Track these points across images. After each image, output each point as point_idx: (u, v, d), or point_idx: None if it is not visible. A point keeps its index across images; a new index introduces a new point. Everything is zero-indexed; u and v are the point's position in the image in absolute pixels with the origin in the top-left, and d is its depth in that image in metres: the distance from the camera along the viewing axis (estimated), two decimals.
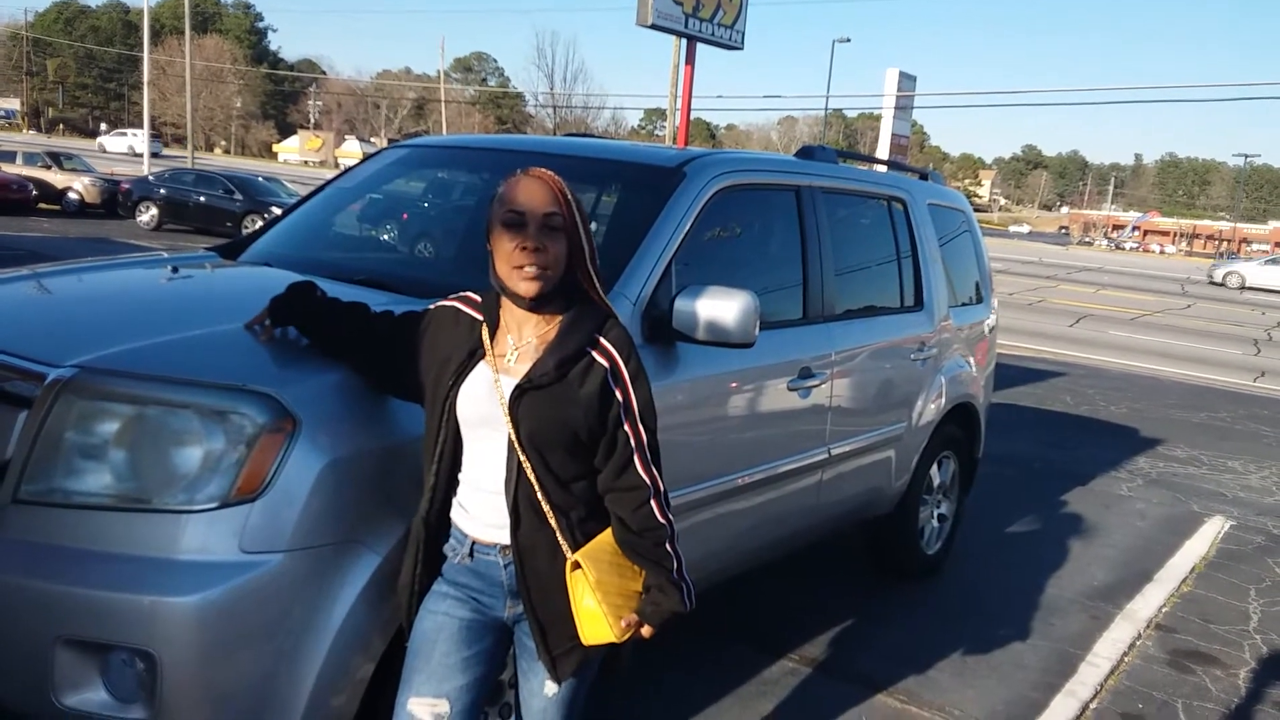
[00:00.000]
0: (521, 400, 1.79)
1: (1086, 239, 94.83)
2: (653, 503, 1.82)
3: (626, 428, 1.81)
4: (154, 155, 34.38)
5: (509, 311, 1.87)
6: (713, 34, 16.44)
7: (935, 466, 4.54)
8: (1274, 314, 25.43)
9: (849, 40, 43.03)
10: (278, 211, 19.31)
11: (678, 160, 3.17)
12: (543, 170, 1.82)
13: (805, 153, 3.89)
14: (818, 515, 3.73)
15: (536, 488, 1.80)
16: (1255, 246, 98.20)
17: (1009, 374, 10.55)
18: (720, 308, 2.66)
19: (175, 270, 3.01)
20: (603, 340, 1.83)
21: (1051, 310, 20.31)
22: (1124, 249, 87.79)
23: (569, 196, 1.80)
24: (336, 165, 70.23)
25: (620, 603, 1.81)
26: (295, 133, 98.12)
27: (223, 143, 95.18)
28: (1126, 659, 4.00)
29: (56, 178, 22.39)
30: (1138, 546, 5.50)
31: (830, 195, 3.75)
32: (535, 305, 1.82)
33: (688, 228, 2.99)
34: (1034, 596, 4.56)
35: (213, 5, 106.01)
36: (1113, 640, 4.14)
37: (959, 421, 4.65)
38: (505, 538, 1.85)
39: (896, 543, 4.44)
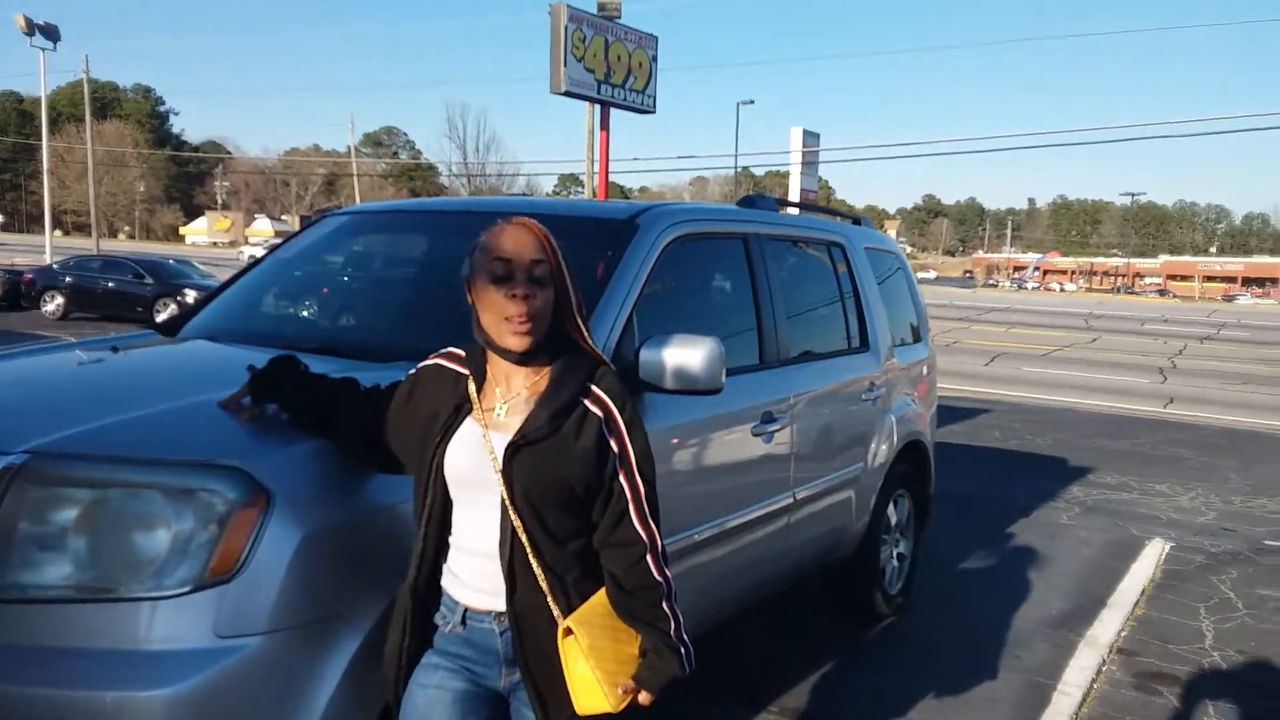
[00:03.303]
0: (516, 457, 1.71)
1: (991, 281, 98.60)
2: (648, 559, 1.74)
3: (623, 479, 1.74)
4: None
5: (496, 364, 1.81)
6: (625, 99, 16.79)
7: (892, 506, 4.57)
8: (1175, 342, 26.70)
9: (753, 102, 44.23)
10: (192, 294, 19.00)
11: (630, 213, 3.18)
12: (526, 219, 1.77)
13: (748, 202, 3.95)
14: (787, 560, 3.71)
15: (529, 549, 1.71)
16: (1148, 280, 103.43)
17: (937, 413, 10.77)
18: (686, 355, 2.65)
19: (116, 350, 2.88)
20: (595, 389, 1.77)
21: (967, 350, 20.91)
22: (1026, 288, 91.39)
23: (554, 244, 1.74)
24: (247, 243, 68.97)
25: (616, 669, 1.71)
26: (202, 214, 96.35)
27: (126, 228, 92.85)
28: (1095, 686, 4.03)
29: None
30: (1087, 573, 5.61)
31: (775, 242, 3.81)
32: (524, 357, 1.76)
33: (645, 278, 2.99)
34: (998, 630, 4.59)
35: (111, 91, 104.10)
36: (1079, 668, 4.18)
37: (910, 460, 4.70)
38: (500, 604, 1.76)
39: (861, 584, 4.43)
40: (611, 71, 16.24)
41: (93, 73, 36.01)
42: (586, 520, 1.76)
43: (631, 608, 1.74)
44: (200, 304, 3.50)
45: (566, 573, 1.74)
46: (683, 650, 1.77)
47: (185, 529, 1.86)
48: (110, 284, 20.00)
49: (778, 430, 3.46)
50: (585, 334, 1.80)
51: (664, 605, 1.76)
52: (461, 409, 1.79)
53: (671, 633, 1.76)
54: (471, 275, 1.76)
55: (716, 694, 3.66)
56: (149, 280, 19.84)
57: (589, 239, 3.23)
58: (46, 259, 26.67)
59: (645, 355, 2.69)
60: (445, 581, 1.84)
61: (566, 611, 1.73)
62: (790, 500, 3.59)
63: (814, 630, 4.49)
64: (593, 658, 1.69)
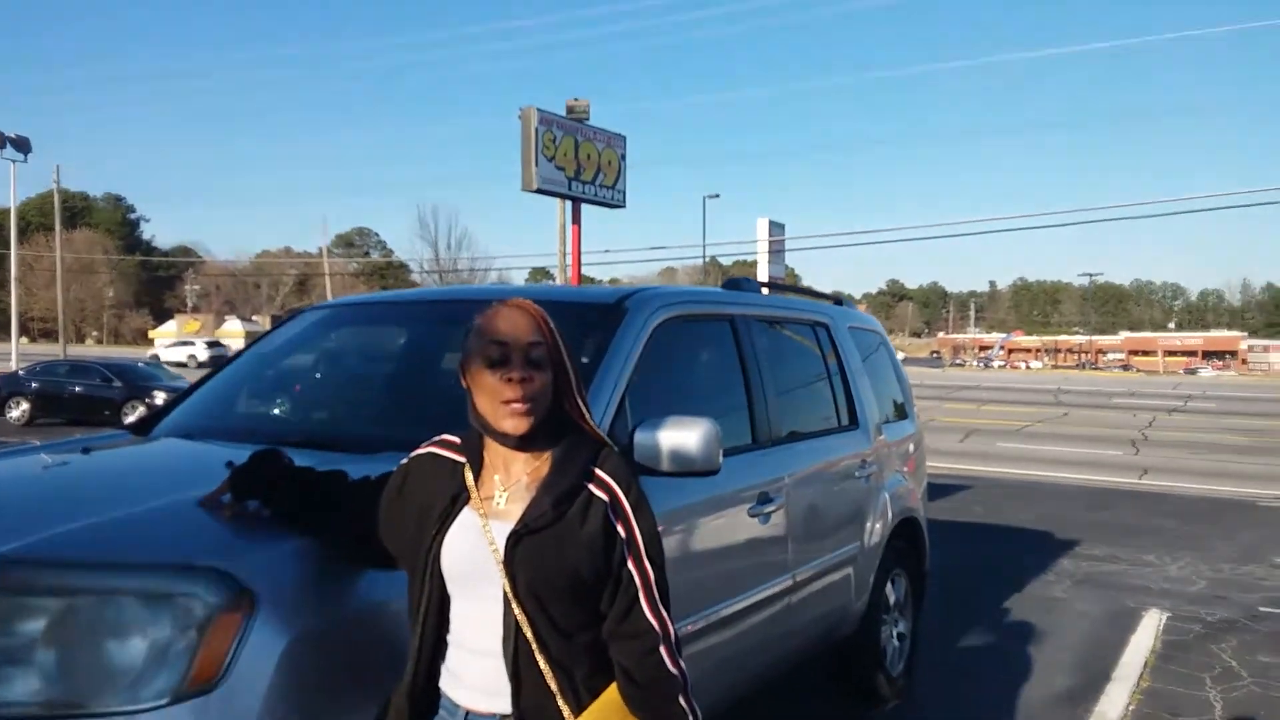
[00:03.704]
0: (519, 546, 1.61)
1: (958, 360, 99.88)
2: (661, 650, 1.63)
3: (631, 566, 1.64)
4: None
5: (493, 451, 1.72)
6: (596, 194, 17.07)
7: (889, 584, 4.46)
8: (1144, 415, 26.97)
9: (718, 195, 45.19)
10: (162, 396, 18.70)
11: (616, 296, 3.16)
12: (521, 299, 1.72)
13: (733, 284, 3.94)
14: (788, 644, 3.59)
15: (534, 644, 1.60)
16: (1111, 355, 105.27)
17: None
18: (682, 437, 2.59)
19: (87, 451, 2.77)
20: (599, 472, 1.68)
21: (941, 428, 20.94)
22: (993, 367, 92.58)
23: (551, 325, 1.69)
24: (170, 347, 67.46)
25: None
26: (172, 318, 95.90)
27: (94, 333, 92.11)
28: None
29: None
30: (1087, 646, 5.48)
31: (761, 323, 3.79)
32: (523, 442, 1.68)
33: (635, 362, 2.94)
34: (1005, 711, 4.44)
35: (81, 200, 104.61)
36: None
37: (905, 536, 4.61)
38: (504, 705, 1.63)
39: (863, 666, 4.29)
40: (582, 169, 16.53)
41: (63, 182, 36.18)
42: (594, 611, 1.66)
43: (646, 704, 1.63)
44: (174, 402, 3.40)
45: (575, 668, 1.63)
46: None
47: (162, 637, 1.74)
48: (78, 388, 19.67)
49: (774, 510, 3.37)
50: (586, 415, 1.72)
51: (680, 700, 1.65)
52: (459, 498, 1.70)
53: None
54: (466, 359, 1.69)
55: None
56: (117, 383, 19.55)
57: (577, 323, 3.18)
58: (12, 365, 26.27)
59: (640, 438, 2.62)
60: (444, 683, 1.72)
61: (577, 711, 1.61)
62: (790, 582, 3.49)
63: (816, 715, 4.31)
64: None
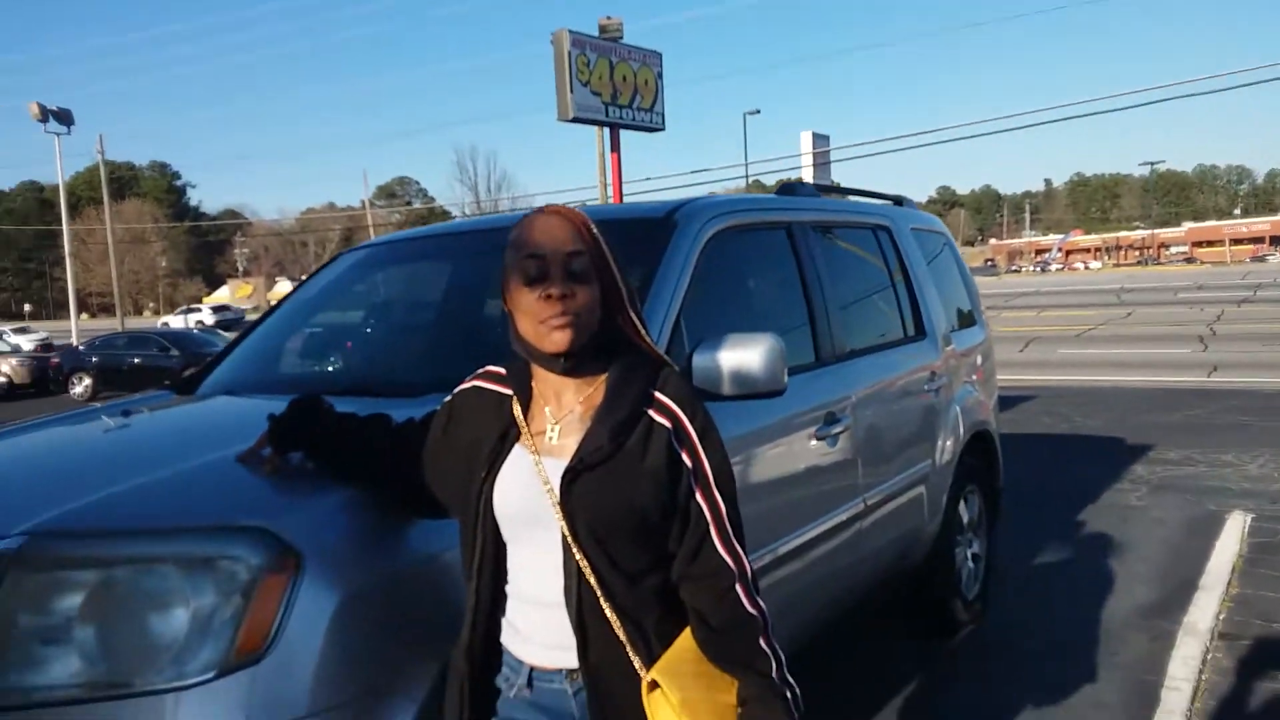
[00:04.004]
0: (575, 485, 1.46)
1: (1014, 267, 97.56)
2: (738, 589, 1.49)
3: (700, 498, 1.49)
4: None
5: (543, 380, 1.56)
6: (634, 119, 16.69)
7: (962, 503, 4.28)
8: (1211, 308, 26.02)
9: (759, 112, 44.10)
10: None
11: (666, 210, 2.96)
12: (560, 205, 1.55)
13: (787, 189, 3.72)
14: (860, 573, 3.44)
15: (599, 592, 1.46)
16: (1174, 249, 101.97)
17: None
18: (744, 357, 2.41)
19: (127, 414, 2.68)
20: (660, 395, 1.52)
21: (1000, 338, 20.25)
22: (1050, 270, 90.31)
23: (594, 232, 1.50)
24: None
25: None
26: (225, 283, 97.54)
27: (151, 304, 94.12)
28: (1204, 676, 3.71)
29: None
30: (1169, 556, 5.26)
31: (819, 229, 3.57)
32: (573, 365, 1.51)
33: (689, 278, 2.76)
34: (1087, 627, 4.26)
35: (128, 171, 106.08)
36: (1183, 659, 3.85)
37: (977, 452, 4.41)
38: (570, 660, 1.50)
39: (937, 591, 4.13)
40: (618, 92, 16.14)
41: (108, 154, 36.53)
42: (662, 551, 1.51)
43: (723, 649, 1.49)
44: (218, 358, 3.31)
45: (645, 616, 1.49)
46: (789, 694, 1.50)
47: (205, 605, 1.64)
48: (137, 359, 20.01)
49: (841, 432, 3.19)
50: (642, 332, 1.55)
51: (761, 642, 1.50)
52: (508, 435, 1.55)
53: (774, 674, 1.49)
54: (505, 278, 1.52)
55: None
56: (175, 352, 19.84)
57: (624, 241, 3.00)
58: (73, 341, 26.88)
59: (698, 360, 2.45)
60: (505, 637, 1.58)
61: (649, 662, 1.47)
62: (861, 506, 3.32)
63: (889, 648, 4.18)
64: (686, 714, 1.43)
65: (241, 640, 1.62)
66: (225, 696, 1.60)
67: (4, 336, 26.37)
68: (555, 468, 1.49)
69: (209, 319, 47.59)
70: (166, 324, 36.99)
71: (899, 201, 4.57)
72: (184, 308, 59.99)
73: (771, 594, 2.79)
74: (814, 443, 3.06)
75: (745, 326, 2.71)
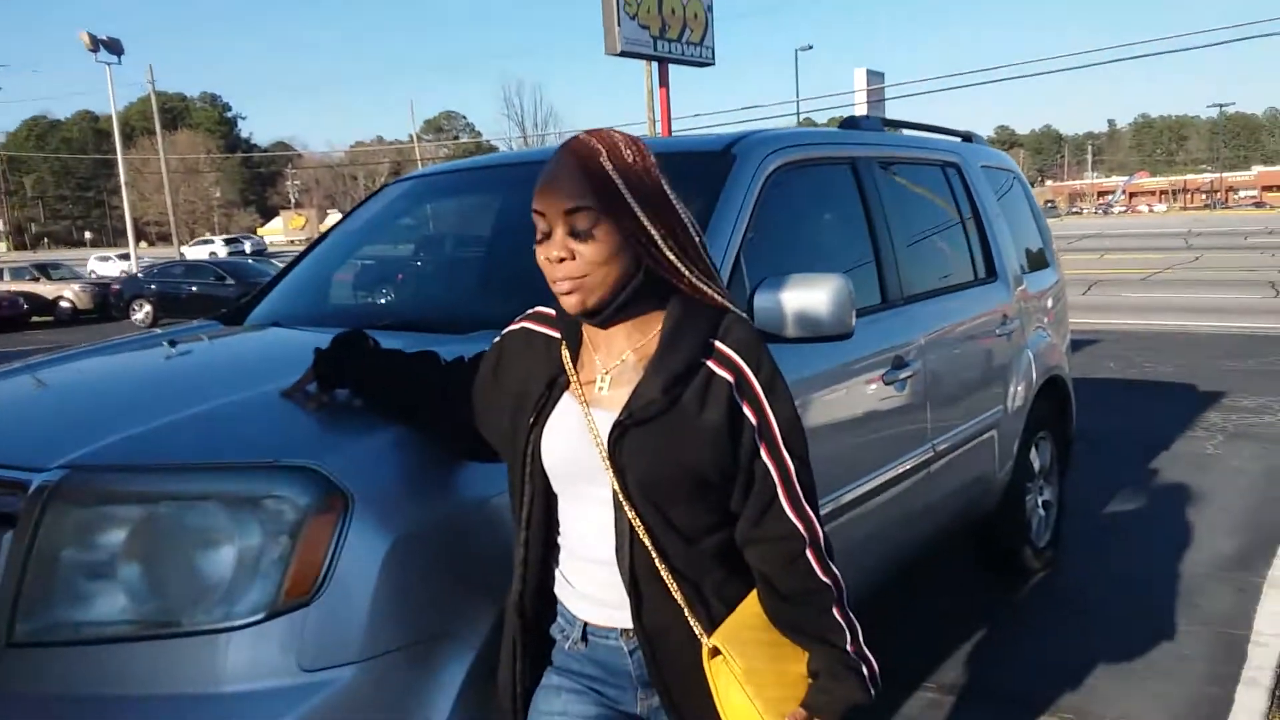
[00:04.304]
0: (624, 440, 1.34)
1: (1075, 209, 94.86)
2: (809, 555, 1.36)
3: (765, 457, 1.35)
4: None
5: (592, 326, 1.43)
6: (683, 53, 16.24)
7: (1034, 450, 4.11)
8: None
9: (811, 47, 42.95)
10: None
11: (724, 143, 2.79)
12: (579, 140, 1.35)
13: (850, 123, 3.51)
14: (929, 521, 3.31)
15: (654, 553, 1.35)
16: (1243, 194, 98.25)
17: None
18: (809, 297, 2.27)
19: (173, 344, 2.62)
20: (721, 345, 1.37)
21: None
22: (1113, 213, 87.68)
23: (611, 169, 1.31)
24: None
25: (779, 694, 1.35)
26: (278, 214, 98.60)
27: (206, 234, 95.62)
28: None
29: (46, 289, 22.25)
30: (1251, 506, 5.05)
31: (886, 165, 3.37)
32: (604, 320, 1.37)
33: (749, 215, 2.60)
34: (1165, 579, 4.10)
35: (179, 102, 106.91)
36: (1271, 614, 3.69)
37: (1050, 398, 4.22)
38: (625, 619, 1.40)
39: (1007, 538, 4.00)
40: (667, 26, 15.68)
41: (159, 85, 36.75)
42: (725, 511, 1.38)
43: (793, 619, 1.38)
44: (266, 288, 3.23)
45: (705, 578, 1.38)
46: (864, 669, 1.38)
47: (252, 545, 1.56)
48: (194, 288, 20.34)
49: (910, 377, 3.04)
50: (687, 275, 1.36)
51: (835, 613, 1.37)
52: (556, 383, 1.43)
53: (848, 646, 1.38)
54: None
55: None
56: (230, 281, 20.12)
57: (683, 176, 2.84)
58: (133, 268, 27.38)
59: (760, 301, 2.31)
60: (559, 589, 1.49)
61: (710, 627, 1.37)
62: (930, 453, 3.18)
63: (959, 596, 4.06)
64: (751, 684, 1.33)
65: (290, 582, 1.55)
66: (275, 638, 1.54)
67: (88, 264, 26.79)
68: (605, 420, 1.36)
69: (221, 251, 47.22)
70: (183, 255, 37.05)
71: (967, 138, 4.32)
72: (200, 239, 59.68)
73: (838, 540, 2.70)
74: (882, 387, 2.92)
75: (808, 266, 2.55)
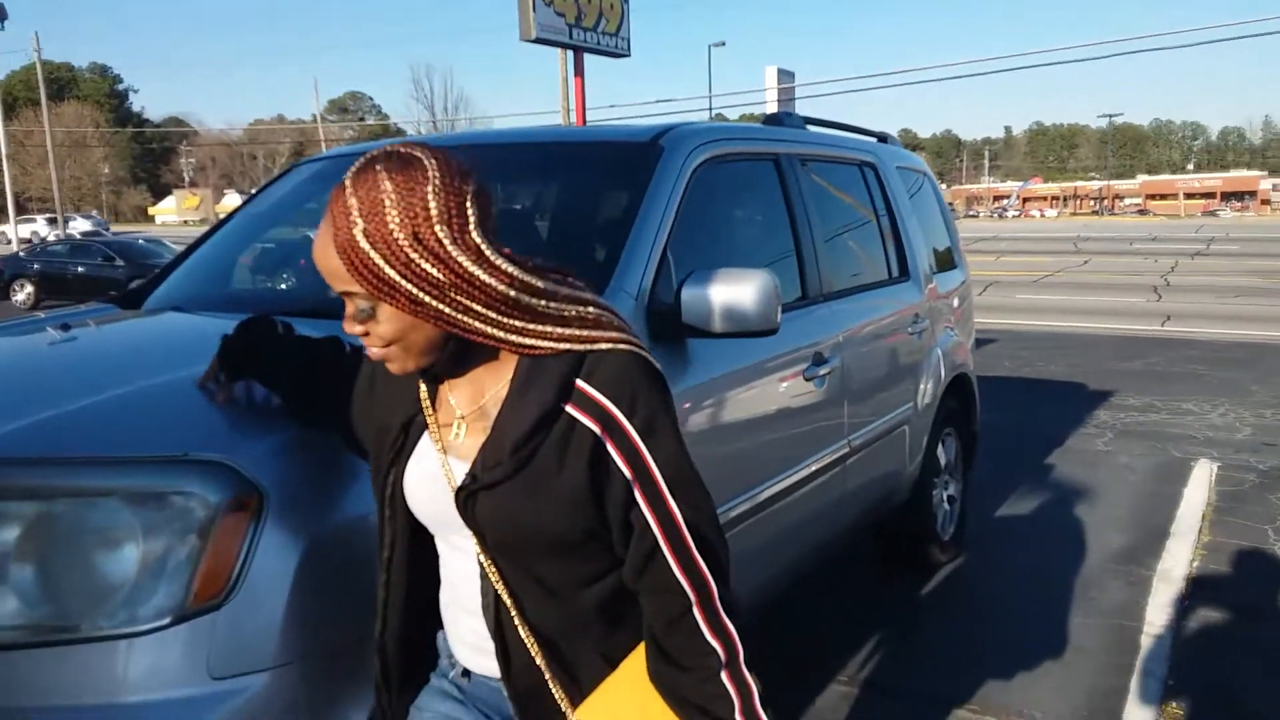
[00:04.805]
0: (473, 502, 1.19)
1: (972, 212, 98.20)
2: (696, 614, 1.19)
3: (645, 509, 1.17)
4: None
5: None
6: (598, 43, 16.18)
7: (940, 446, 4.23)
8: (1165, 260, 26.37)
9: (724, 44, 43.33)
10: None
11: (652, 134, 2.77)
12: (340, 195, 1.10)
13: (774, 119, 3.53)
14: (843, 515, 3.36)
15: (514, 613, 1.22)
16: (1128, 201, 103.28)
17: None
18: (736, 292, 2.27)
19: (66, 329, 2.46)
20: (585, 386, 1.17)
21: None
22: (1007, 217, 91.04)
23: (368, 247, 1.07)
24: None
25: None
26: (170, 193, 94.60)
27: (94, 212, 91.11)
28: (1182, 623, 3.73)
29: None
30: (1140, 502, 5.30)
31: (807, 163, 3.40)
32: (444, 371, 1.24)
33: (676, 207, 2.58)
34: (1063, 572, 4.26)
35: (66, 72, 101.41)
36: (1160, 606, 3.87)
37: (956, 395, 4.35)
38: (499, 670, 1.28)
39: (913, 532, 4.10)
40: (583, 14, 15.60)
41: (45, 54, 34.80)
42: (602, 563, 1.24)
43: (674, 685, 1.21)
44: (165, 271, 3.07)
45: (582, 636, 1.25)
46: None
47: (158, 544, 1.47)
48: (81, 269, 19.33)
49: (829, 373, 3.08)
50: (518, 334, 1.16)
51: (724, 678, 1.20)
52: (414, 422, 1.28)
53: (736, 715, 1.20)
54: None
55: (774, 672, 3.31)
56: (120, 262, 19.18)
57: (609, 167, 2.83)
58: (13, 247, 25.89)
59: (688, 294, 2.30)
60: (445, 624, 1.37)
61: (579, 695, 1.25)
62: (846, 449, 3.23)
63: (865, 592, 4.15)
64: None
65: (199, 585, 1.46)
66: (182, 645, 1.45)
67: None
68: (462, 469, 1.22)
69: (43, 230, 44.01)
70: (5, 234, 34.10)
71: (883, 138, 4.40)
72: (20, 218, 55.89)
73: (754, 535, 2.72)
74: (803, 383, 2.94)
75: (732, 261, 2.57)
